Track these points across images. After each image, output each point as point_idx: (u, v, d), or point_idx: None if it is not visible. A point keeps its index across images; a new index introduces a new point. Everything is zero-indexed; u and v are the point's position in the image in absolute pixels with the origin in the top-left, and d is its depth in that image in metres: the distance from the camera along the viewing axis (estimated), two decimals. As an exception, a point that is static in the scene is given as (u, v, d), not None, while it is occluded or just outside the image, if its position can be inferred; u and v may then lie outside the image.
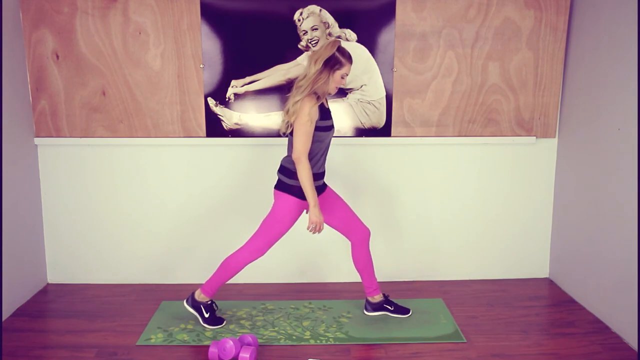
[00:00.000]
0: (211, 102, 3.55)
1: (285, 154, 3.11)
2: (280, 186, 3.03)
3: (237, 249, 3.14)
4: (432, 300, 3.52)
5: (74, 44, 3.45)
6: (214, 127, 3.58)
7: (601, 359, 2.87)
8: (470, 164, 3.74)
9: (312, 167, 2.94)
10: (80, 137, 3.57)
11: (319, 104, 2.88)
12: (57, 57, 3.47)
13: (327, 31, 3.49)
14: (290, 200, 2.99)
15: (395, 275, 3.81)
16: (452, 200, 3.78)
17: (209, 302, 3.22)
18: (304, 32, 3.48)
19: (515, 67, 3.59)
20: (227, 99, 3.56)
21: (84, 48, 3.46)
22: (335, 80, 2.91)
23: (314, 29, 3.48)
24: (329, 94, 2.97)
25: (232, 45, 3.49)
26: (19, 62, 3.42)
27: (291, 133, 2.93)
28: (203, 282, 3.78)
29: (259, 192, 3.72)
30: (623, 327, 3.07)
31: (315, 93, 2.89)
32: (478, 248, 3.86)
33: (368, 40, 3.50)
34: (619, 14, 3.08)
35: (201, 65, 3.50)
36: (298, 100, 2.85)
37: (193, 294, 3.23)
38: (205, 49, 3.48)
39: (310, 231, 2.95)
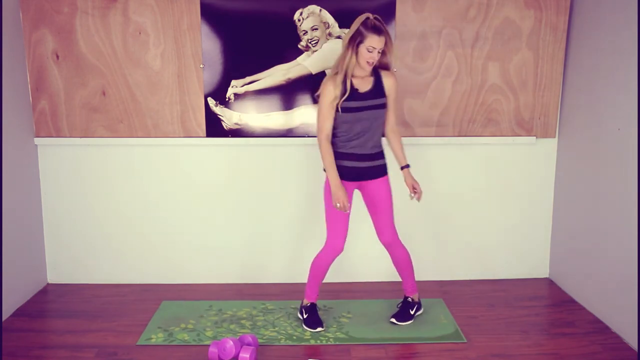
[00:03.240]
0: (211, 102, 3.55)
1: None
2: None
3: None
4: (432, 300, 3.52)
5: (74, 44, 3.45)
6: (214, 127, 3.58)
7: (601, 359, 2.87)
8: (470, 164, 3.74)
9: (341, 146, 2.98)
10: (80, 137, 3.57)
11: (340, 81, 2.87)
12: (57, 57, 3.47)
13: (327, 31, 3.48)
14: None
15: (395, 275, 3.80)
16: (452, 200, 3.78)
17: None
18: (304, 32, 3.48)
19: (515, 67, 3.58)
20: (227, 99, 3.55)
21: (84, 48, 3.46)
22: (362, 55, 2.82)
23: (314, 29, 3.48)
24: (363, 69, 2.89)
25: (232, 45, 3.49)
26: (19, 62, 3.41)
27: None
28: (203, 282, 3.80)
29: (259, 192, 3.72)
30: (623, 327, 3.07)
31: (345, 72, 2.87)
32: (478, 248, 3.85)
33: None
34: (619, 14, 3.07)
35: (201, 65, 3.50)
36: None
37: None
38: (205, 49, 3.48)
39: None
